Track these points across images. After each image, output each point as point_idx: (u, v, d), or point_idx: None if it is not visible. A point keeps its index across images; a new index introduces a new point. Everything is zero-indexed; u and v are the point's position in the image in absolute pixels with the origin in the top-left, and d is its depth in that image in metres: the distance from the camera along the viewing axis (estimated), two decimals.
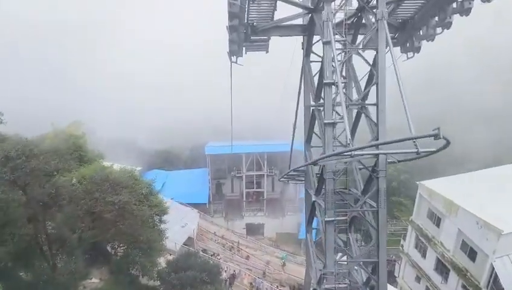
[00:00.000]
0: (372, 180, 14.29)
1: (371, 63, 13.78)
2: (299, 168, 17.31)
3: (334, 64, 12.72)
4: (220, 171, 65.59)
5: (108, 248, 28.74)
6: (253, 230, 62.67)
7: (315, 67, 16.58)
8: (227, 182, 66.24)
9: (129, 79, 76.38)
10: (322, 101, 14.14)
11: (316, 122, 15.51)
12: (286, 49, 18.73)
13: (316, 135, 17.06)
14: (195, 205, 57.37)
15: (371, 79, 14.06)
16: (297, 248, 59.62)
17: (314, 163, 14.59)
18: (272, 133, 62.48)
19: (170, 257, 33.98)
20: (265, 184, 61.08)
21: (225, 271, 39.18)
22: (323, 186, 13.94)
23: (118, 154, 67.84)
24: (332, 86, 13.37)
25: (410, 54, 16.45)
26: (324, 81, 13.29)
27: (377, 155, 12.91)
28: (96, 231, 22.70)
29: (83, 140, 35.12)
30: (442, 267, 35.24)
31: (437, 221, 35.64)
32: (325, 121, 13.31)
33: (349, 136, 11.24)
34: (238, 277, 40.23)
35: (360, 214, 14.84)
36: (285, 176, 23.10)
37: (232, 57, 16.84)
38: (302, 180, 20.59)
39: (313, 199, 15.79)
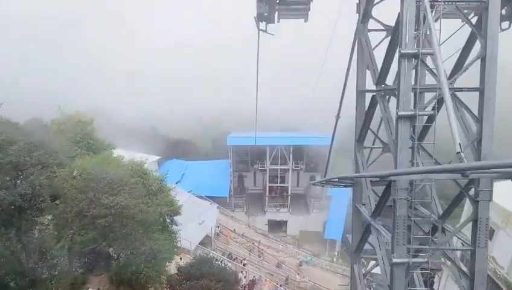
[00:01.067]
0: (460, 200, 9.52)
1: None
2: (347, 178, 12.44)
3: (425, 25, 7.92)
4: (242, 163, 61.19)
5: (111, 251, 24.79)
6: (275, 227, 58.27)
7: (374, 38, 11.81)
8: (249, 175, 61.78)
9: (151, 68, 72.82)
10: (386, 84, 9.46)
11: (380, 114, 10.59)
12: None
13: (372, 132, 12.37)
14: (214, 199, 53.33)
15: (467, 51, 9.18)
16: (322, 248, 55.03)
17: (384, 178, 9.64)
18: (301, 124, 57.91)
19: (182, 262, 29.74)
20: (290, 179, 56.25)
21: (244, 276, 34.86)
22: (392, 210, 9.20)
23: (137, 142, 64.64)
24: (412, 59, 8.60)
25: None
26: (402, 51, 8.48)
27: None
28: (92, 236, 18.57)
29: (91, 127, 31.26)
30: (493, 286, 30.05)
31: (489, 233, 30.27)
32: (401, 113, 8.55)
33: (457, 140, 6.43)
34: (259, 283, 35.85)
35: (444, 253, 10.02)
36: (323, 182, 17.98)
37: (261, 23, 12.18)
38: (344, 186, 15.82)
39: (368, 222, 11.06)
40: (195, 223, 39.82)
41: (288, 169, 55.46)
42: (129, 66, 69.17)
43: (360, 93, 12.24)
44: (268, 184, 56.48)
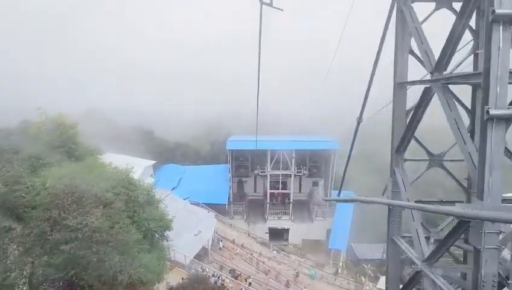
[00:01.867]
0: None
1: None
2: (381, 203, 8.89)
3: None
4: (242, 168, 57.81)
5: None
6: (276, 235, 54.86)
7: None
8: (249, 181, 58.37)
9: (147, 67, 69.43)
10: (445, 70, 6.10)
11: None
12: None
13: (416, 140, 8.99)
14: (212, 206, 49.95)
15: None
16: (326, 258, 51.58)
17: (463, 217, 6.07)
18: (313, 128, 54.60)
19: (172, 284, 26.23)
20: (292, 185, 52.81)
21: None
22: (474, 264, 5.78)
23: (133, 146, 61.25)
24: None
25: None
26: (496, 12, 5.12)
27: None
28: (59, 262, 15.14)
29: (73, 131, 27.83)
30: None
31: None
32: (495, 112, 5.19)
33: None
34: None
35: None
36: (340, 201, 14.32)
37: None
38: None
39: (419, 269, 7.63)
40: (190, 234, 36.33)
41: (290, 174, 52.05)
42: (125, 66, 65.85)
43: (400, 86, 8.84)
44: (269, 190, 53.05)
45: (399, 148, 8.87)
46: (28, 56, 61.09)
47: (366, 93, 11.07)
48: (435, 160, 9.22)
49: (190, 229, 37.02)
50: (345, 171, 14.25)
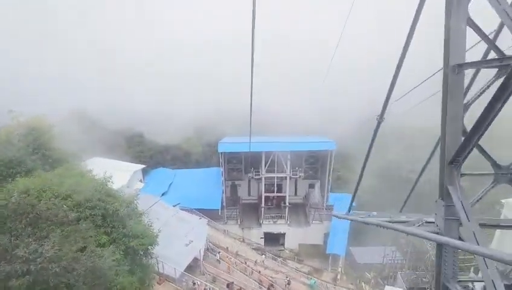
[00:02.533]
0: None
1: None
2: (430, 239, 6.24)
3: None
4: (235, 171, 55.01)
5: None
6: (272, 240, 52.25)
7: None
8: (243, 184, 55.61)
9: (148, 68, 66.28)
10: None
11: None
12: None
13: (481, 149, 6.37)
14: (205, 211, 47.17)
15: None
16: (324, 263, 49.00)
17: None
18: (309, 127, 52.08)
19: None
20: (288, 188, 50.15)
21: None
22: None
23: (120, 148, 58.21)
24: None
25: None
26: None
27: None
28: None
29: (49, 135, 24.90)
30: None
31: None
32: None
33: None
34: None
35: None
36: (353, 219, 11.34)
37: None
38: None
39: None
40: (181, 244, 33.45)
41: (286, 177, 49.39)
42: (125, 66, 62.73)
43: (455, 71, 6.18)
44: (264, 194, 50.33)
45: (455, 160, 6.20)
46: (27, 56, 58.02)
47: (389, 90, 8.50)
48: (504, 174, 6.55)
49: (180, 238, 34.14)
50: (360, 177, 11.59)
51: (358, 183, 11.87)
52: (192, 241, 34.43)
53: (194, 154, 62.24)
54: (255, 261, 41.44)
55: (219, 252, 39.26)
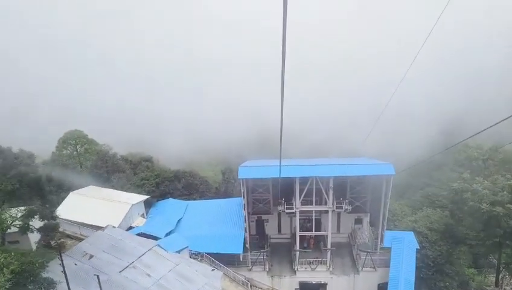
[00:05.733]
0: None
1: None
2: None
3: None
4: (261, 202, 42.73)
5: None
6: None
7: None
8: (272, 220, 42.97)
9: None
10: None
11: None
12: None
13: None
14: (223, 255, 35.33)
15: None
16: None
17: None
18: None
19: None
20: (330, 225, 37.37)
21: None
22: None
23: (126, 174, 47.52)
24: None
25: None
26: None
27: None
28: None
29: None
30: None
31: None
32: None
33: None
34: None
35: None
36: None
37: None
38: None
39: None
40: None
41: (327, 210, 36.79)
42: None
43: None
44: (298, 232, 37.68)
45: None
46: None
47: None
48: None
49: None
50: None
51: None
52: None
53: (212, 182, 50.64)
54: None
55: None
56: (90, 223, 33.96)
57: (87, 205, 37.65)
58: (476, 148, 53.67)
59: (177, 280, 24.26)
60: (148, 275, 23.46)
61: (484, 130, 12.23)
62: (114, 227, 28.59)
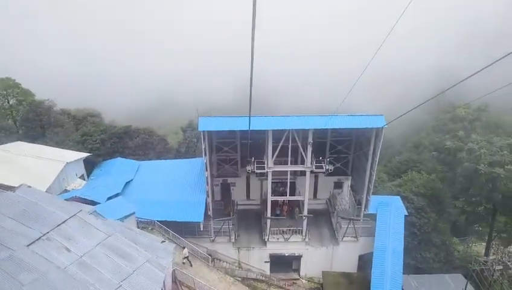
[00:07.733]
0: None
1: None
2: None
3: None
4: (228, 163, 36.09)
5: None
6: (281, 265, 33.78)
7: None
8: (239, 183, 36.59)
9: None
10: None
11: None
12: None
13: None
14: (180, 224, 28.89)
15: None
16: None
17: None
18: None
19: None
20: (307, 188, 31.26)
21: None
22: None
23: (66, 131, 39.49)
24: None
25: None
26: None
27: None
28: None
29: None
30: None
31: None
32: None
33: None
34: None
35: None
36: None
37: None
38: None
39: None
40: None
41: (304, 172, 30.66)
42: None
43: None
44: (270, 197, 31.40)
45: None
46: None
47: None
48: None
49: None
50: None
51: None
52: None
53: (172, 141, 43.44)
54: None
55: None
56: (7, 184, 26.60)
57: (10, 164, 29.98)
58: (463, 107, 49.13)
59: (107, 256, 17.46)
60: (68, 250, 16.70)
61: (470, 76, 10.05)
62: (29, 187, 21.21)
